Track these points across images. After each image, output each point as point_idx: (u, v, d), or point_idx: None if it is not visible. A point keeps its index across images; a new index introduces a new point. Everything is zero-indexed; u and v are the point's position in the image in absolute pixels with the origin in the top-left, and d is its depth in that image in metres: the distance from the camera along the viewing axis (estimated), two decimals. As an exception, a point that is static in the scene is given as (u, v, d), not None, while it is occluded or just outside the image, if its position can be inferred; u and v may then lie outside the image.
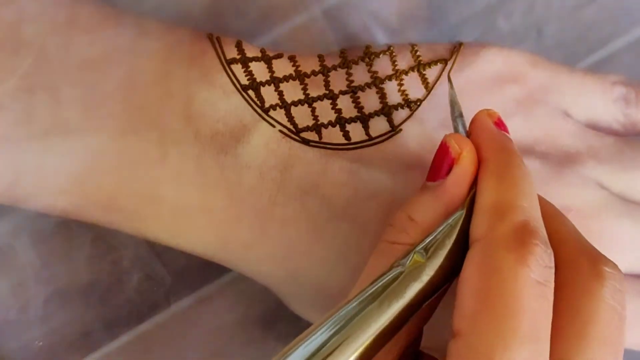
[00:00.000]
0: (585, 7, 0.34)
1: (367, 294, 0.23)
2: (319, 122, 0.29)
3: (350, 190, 0.29)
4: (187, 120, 0.28)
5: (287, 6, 0.33)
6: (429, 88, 0.30)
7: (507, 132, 0.27)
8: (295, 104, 0.29)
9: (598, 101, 0.32)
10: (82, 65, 0.28)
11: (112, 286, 0.33)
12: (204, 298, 0.33)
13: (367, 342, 0.22)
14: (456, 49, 0.30)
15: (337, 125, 0.29)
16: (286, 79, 0.30)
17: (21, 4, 0.28)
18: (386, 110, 0.30)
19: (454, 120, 0.27)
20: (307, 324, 0.31)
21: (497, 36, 0.34)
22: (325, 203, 0.29)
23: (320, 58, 0.30)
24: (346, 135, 0.29)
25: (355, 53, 0.30)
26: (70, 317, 0.33)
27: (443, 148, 0.26)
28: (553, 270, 0.23)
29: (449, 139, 0.26)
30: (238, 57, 0.29)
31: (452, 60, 0.30)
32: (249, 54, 0.30)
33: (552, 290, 0.23)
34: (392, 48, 0.30)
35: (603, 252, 0.30)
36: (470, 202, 0.24)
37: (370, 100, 0.30)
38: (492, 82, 0.30)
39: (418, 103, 0.30)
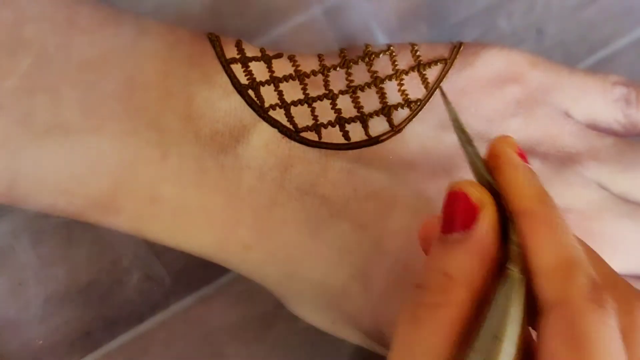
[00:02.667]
0: (585, 8, 0.34)
1: None
2: (318, 122, 0.29)
3: (350, 190, 0.29)
4: (187, 121, 0.28)
5: (286, 6, 0.33)
6: (429, 88, 0.30)
7: (527, 161, 0.24)
8: (294, 103, 0.29)
9: (598, 102, 0.32)
10: (82, 65, 0.28)
11: (111, 286, 0.33)
12: (204, 298, 0.33)
13: None
14: (456, 49, 0.30)
15: (337, 125, 0.29)
16: (286, 78, 0.30)
17: (21, 5, 0.28)
18: (386, 110, 0.30)
19: (463, 146, 0.24)
20: (306, 325, 0.31)
21: (498, 36, 0.34)
22: (324, 203, 0.29)
23: (320, 58, 0.30)
24: (346, 135, 0.29)
25: (355, 53, 0.30)
26: (70, 317, 0.33)
27: (459, 196, 0.23)
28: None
29: (466, 187, 0.23)
30: (238, 57, 0.29)
31: (452, 60, 0.30)
32: (249, 53, 0.30)
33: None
34: (392, 48, 0.30)
35: (604, 253, 0.30)
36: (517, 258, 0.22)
37: (370, 100, 0.30)
38: (492, 82, 0.30)
39: (418, 103, 0.30)
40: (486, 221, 0.23)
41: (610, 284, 0.22)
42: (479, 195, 0.23)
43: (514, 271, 0.22)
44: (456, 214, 0.23)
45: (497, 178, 0.24)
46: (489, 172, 0.24)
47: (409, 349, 0.22)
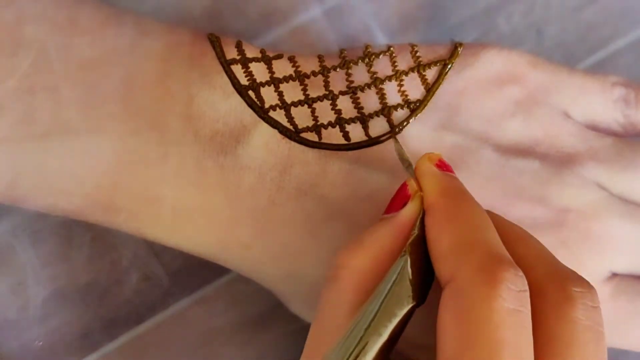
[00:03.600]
0: (585, 8, 0.34)
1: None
2: (318, 123, 0.29)
3: (349, 190, 0.29)
4: (187, 121, 0.28)
5: (287, 7, 0.33)
6: (428, 89, 0.30)
7: (451, 171, 0.27)
8: (295, 104, 0.29)
9: (598, 102, 0.32)
10: (82, 65, 0.28)
11: (110, 286, 0.33)
12: (202, 299, 0.33)
13: None
14: (456, 49, 0.30)
15: (337, 126, 0.29)
16: (286, 79, 0.30)
17: (21, 5, 0.28)
18: (386, 111, 0.30)
19: (405, 169, 0.28)
20: (306, 324, 0.31)
21: (497, 37, 0.34)
22: (323, 203, 0.29)
23: (320, 58, 0.30)
24: (346, 135, 0.29)
25: (355, 53, 0.30)
26: (69, 317, 0.33)
27: (402, 188, 0.27)
28: (527, 293, 0.23)
29: (408, 181, 0.27)
30: (238, 57, 0.29)
31: (451, 61, 0.30)
32: (249, 54, 0.30)
33: (529, 314, 0.23)
34: (392, 48, 0.30)
35: (603, 253, 0.30)
36: (413, 242, 0.25)
37: (370, 101, 0.30)
38: (491, 82, 0.30)
39: (418, 104, 0.30)
40: (409, 207, 0.26)
41: (526, 264, 0.24)
42: (413, 188, 0.27)
43: (404, 252, 0.25)
44: (395, 200, 0.27)
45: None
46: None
47: (326, 302, 0.25)
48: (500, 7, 0.34)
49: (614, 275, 0.31)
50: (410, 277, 0.24)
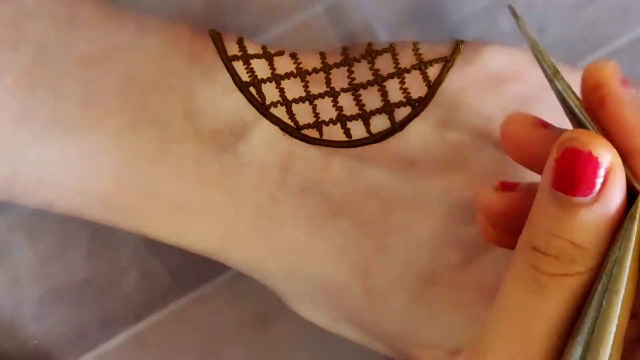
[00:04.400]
0: (586, 6, 0.35)
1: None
2: (320, 120, 0.29)
3: (351, 187, 0.29)
4: (187, 118, 0.28)
5: (288, 3, 0.33)
6: (430, 86, 0.30)
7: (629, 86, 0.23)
8: (296, 101, 0.29)
9: (598, 100, 0.32)
10: (81, 61, 0.28)
11: (109, 284, 0.33)
12: (202, 297, 0.33)
13: None
14: (457, 47, 0.30)
15: (338, 123, 0.29)
16: (287, 76, 0.30)
17: (21, 0, 0.28)
18: (387, 108, 0.30)
19: (550, 82, 0.23)
20: (307, 323, 0.31)
21: (499, 35, 0.34)
22: (325, 200, 0.29)
23: (322, 55, 0.30)
24: (347, 132, 0.29)
25: (357, 51, 0.30)
26: (66, 316, 0.33)
27: (586, 158, 0.21)
28: None
29: (595, 146, 0.21)
30: (239, 54, 0.29)
31: (453, 59, 0.30)
32: (250, 51, 0.30)
33: None
34: (393, 46, 0.30)
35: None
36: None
37: (371, 98, 0.30)
38: (493, 80, 0.30)
39: (419, 101, 0.30)
40: (618, 185, 0.21)
41: None
42: (609, 157, 0.21)
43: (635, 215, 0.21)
44: (580, 175, 0.21)
45: (599, 113, 0.22)
46: (586, 111, 0.22)
47: (529, 316, 0.22)
48: (501, 5, 0.34)
49: None
50: None
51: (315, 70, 0.30)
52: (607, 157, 0.21)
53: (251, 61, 0.29)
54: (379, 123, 0.30)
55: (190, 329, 0.33)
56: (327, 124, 0.29)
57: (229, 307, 0.33)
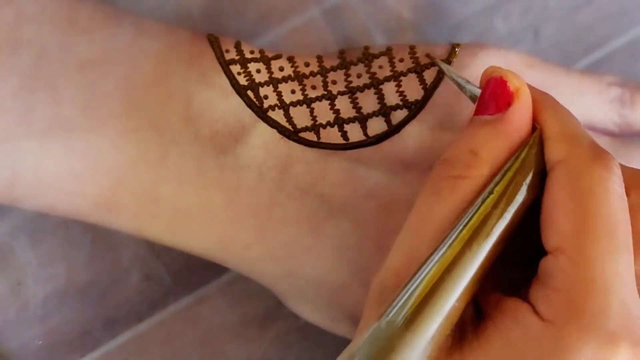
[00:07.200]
0: (582, 9, 0.35)
1: (453, 238, 0.23)
2: (317, 123, 0.29)
3: (349, 189, 0.29)
4: (186, 121, 0.29)
5: (286, 7, 0.33)
6: (426, 89, 0.30)
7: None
8: (294, 104, 0.29)
9: (594, 102, 0.32)
10: (81, 65, 0.28)
11: (111, 286, 0.33)
12: (203, 298, 0.33)
13: (465, 288, 0.23)
14: (454, 50, 0.30)
15: (336, 126, 0.30)
16: (285, 79, 0.30)
17: (21, 4, 0.28)
18: (384, 111, 0.30)
19: (461, 88, 0.27)
20: (306, 323, 0.31)
21: (495, 37, 0.34)
22: (324, 202, 0.29)
23: (319, 59, 0.30)
24: (344, 135, 0.30)
25: (354, 54, 0.30)
26: (70, 317, 0.33)
27: (499, 82, 0.25)
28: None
29: (506, 74, 0.25)
30: (237, 57, 0.29)
31: (449, 62, 0.30)
32: (248, 54, 0.30)
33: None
34: (390, 49, 0.30)
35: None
36: (538, 137, 0.25)
37: (368, 101, 0.30)
38: (489, 83, 0.31)
39: (416, 104, 0.30)
40: (519, 106, 0.25)
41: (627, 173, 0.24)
42: (516, 83, 0.25)
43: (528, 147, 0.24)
44: (493, 97, 0.25)
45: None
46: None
47: (427, 215, 0.24)
48: (497, 8, 0.34)
49: None
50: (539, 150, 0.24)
51: (313, 74, 0.30)
52: (514, 82, 0.25)
53: (249, 65, 0.29)
54: (376, 126, 0.30)
55: (191, 329, 0.33)
56: (324, 126, 0.29)
57: (229, 307, 0.33)
